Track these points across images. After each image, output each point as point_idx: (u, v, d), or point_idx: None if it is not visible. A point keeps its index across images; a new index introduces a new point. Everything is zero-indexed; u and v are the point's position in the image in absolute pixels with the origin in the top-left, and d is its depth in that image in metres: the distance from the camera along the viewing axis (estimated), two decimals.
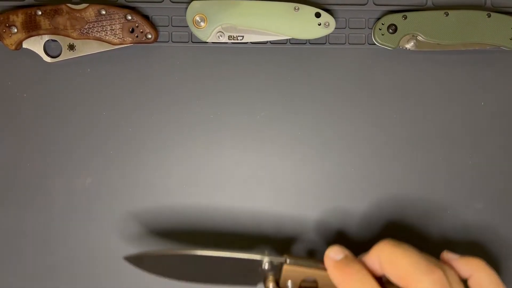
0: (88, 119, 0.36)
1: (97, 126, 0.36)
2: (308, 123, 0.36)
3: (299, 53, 0.36)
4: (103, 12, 0.34)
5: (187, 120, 0.36)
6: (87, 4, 0.34)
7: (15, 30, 0.34)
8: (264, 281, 0.30)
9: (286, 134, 0.36)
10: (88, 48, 0.35)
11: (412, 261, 0.26)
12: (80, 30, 0.34)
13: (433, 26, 0.35)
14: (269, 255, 0.30)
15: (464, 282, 0.28)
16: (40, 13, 0.33)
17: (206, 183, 0.36)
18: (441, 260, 0.29)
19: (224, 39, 0.35)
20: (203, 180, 0.36)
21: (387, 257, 0.27)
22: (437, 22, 0.35)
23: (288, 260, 0.29)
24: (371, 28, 0.36)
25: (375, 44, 0.36)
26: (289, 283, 0.30)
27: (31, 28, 0.34)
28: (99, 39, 0.34)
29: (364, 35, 0.36)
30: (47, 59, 0.35)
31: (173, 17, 0.35)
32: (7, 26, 0.34)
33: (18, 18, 0.33)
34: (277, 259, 0.30)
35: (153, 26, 0.35)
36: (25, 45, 0.34)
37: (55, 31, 0.34)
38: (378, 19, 0.35)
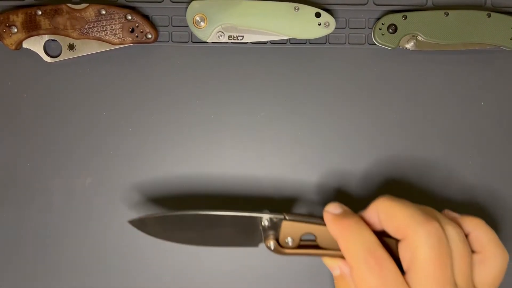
0: (88, 119, 0.36)
1: (97, 126, 0.36)
2: (308, 122, 0.36)
3: (299, 53, 0.36)
4: (103, 12, 0.34)
5: (187, 120, 0.36)
6: (87, 4, 0.34)
7: (15, 30, 0.34)
8: (265, 240, 0.31)
9: (286, 134, 0.36)
10: (88, 48, 0.35)
11: (408, 213, 0.27)
12: (80, 30, 0.34)
13: (433, 26, 0.35)
14: (268, 213, 0.30)
15: None
16: (40, 13, 0.33)
17: (206, 183, 0.36)
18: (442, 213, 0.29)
19: (224, 39, 0.35)
20: (203, 180, 0.36)
21: (385, 210, 0.28)
22: (437, 22, 0.35)
23: (287, 217, 0.30)
24: (371, 28, 0.36)
25: (375, 44, 0.36)
26: (289, 239, 0.30)
27: (31, 28, 0.34)
28: (99, 39, 0.34)
29: (364, 35, 0.36)
30: (47, 59, 0.35)
31: (173, 17, 0.36)
32: (7, 26, 0.34)
33: (18, 18, 0.33)
34: (276, 216, 0.30)
35: (153, 26, 0.35)
36: (25, 45, 0.34)
37: (55, 31, 0.34)
38: (378, 19, 0.35)
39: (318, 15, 0.34)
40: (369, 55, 0.36)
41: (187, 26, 0.35)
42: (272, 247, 0.30)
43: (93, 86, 0.36)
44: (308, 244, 0.30)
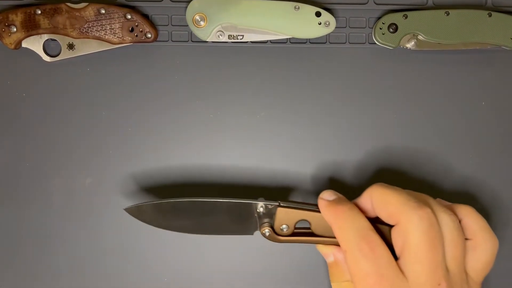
0: (88, 118, 0.36)
1: (97, 126, 0.36)
2: (308, 122, 0.36)
3: (299, 52, 0.36)
4: (103, 11, 0.34)
5: (186, 119, 0.36)
6: (87, 3, 0.33)
7: (15, 29, 0.33)
8: (260, 228, 0.31)
9: (286, 134, 0.36)
10: (87, 47, 0.35)
11: (401, 199, 0.27)
12: (80, 29, 0.34)
13: (434, 26, 0.34)
14: (263, 200, 0.31)
15: None
16: (39, 12, 0.33)
17: (206, 183, 0.36)
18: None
19: (224, 38, 0.34)
20: (203, 180, 0.36)
21: (378, 197, 0.29)
22: (438, 21, 0.34)
23: (281, 203, 0.30)
24: (372, 28, 0.36)
25: (375, 43, 0.36)
26: (284, 227, 0.31)
27: (31, 27, 0.34)
28: (98, 38, 0.34)
29: (364, 34, 0.36)
30: (47, 58, 0.35)
31: (173, 16, 0.35)
32: (6, 25, 0.33)
33: (17, 17, 0.33)
34: (271, 203, 0.31)
35: (153, 25, 0.35)
36: (24, 44, 0.34)
37: (54, 30, 0.34)
38: (379, 18, 0.35)
39: (318, 14, 0.34)
40: (370, 55, 0.36)
41: (187, 25, 0.35)
42: (267, 234, 0.31)
43: (93, 86, 0.36)
44: (302, 232, 0.31)
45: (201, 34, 0.34)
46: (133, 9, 0.35)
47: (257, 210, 0.31)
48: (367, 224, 0.28)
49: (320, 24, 0.34)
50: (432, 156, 0.36)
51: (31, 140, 0.35)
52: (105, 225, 0.36)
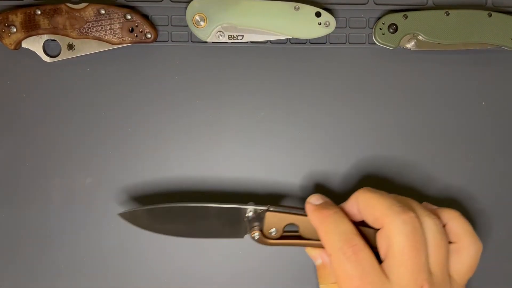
0: (88, 119, 0.36)
1: (97, 126, 0.36)
2: (308, 122, 0.36)
3: (299, 53, 0.36)
4: (103, 12, 0.34)
5: (186, 119, 0.36)
6: (87, 4, 0.33)
7: (14, 30, 0.33)
8: (250, 232, 0.32)
9: (286, 134, 0.36)
10: (87, 47, 0.35)
11: (386, 203, 0.28)
12: (80, 29, 0.34)
13: (434, 26, 0.34)
14: (253, 204, 0.32)
15: None
16: (39, 12, 0.33)
17: (206, 182, 0.36)
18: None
19: (224, 39, 0.34)
20: (203, 179, 0.36)
21: (364, 201, 0.29)
22: (438, 21, 0.34)
23: (270, 208, 0.31)
24: (372, 28, 0.36)
25: (375, 43, 0.35)
26: (273, 230, 0.31)
27: (30, 28, 0.34)
28: (98, 39, 0.34)
29: (364, 34, 0.36)
30: (46, 58, 0.35)
31: (173, 16, 0.35)
32: (6, 26, 0.33)
33: (17, 18, 0.33)
34: (261, 207, 0.31)
35: (153, 25, 0.35)
36: (24, 44, 0.34)
37: (54, 30, 0.34)
38: (379, 18, 0.35)
39: (318, 14, 0.34)
40: (370, 55, 0.36)
41: (187, 25, 0.35)
42: (257, 238, 0.32)
43: (93, 86, 0.36)
44: (291, 235, 0.32)
45: (201, 34, 0.34)
46: (133, 9, 0.35)
47: (246, 215, 0.32)
48: (351, 228, 0.29)
49: (320, 24, 0.34)
50: (432, 156, 0.36)
51: (31, 140, 0.35)
52: (105, 225, 0.36)
